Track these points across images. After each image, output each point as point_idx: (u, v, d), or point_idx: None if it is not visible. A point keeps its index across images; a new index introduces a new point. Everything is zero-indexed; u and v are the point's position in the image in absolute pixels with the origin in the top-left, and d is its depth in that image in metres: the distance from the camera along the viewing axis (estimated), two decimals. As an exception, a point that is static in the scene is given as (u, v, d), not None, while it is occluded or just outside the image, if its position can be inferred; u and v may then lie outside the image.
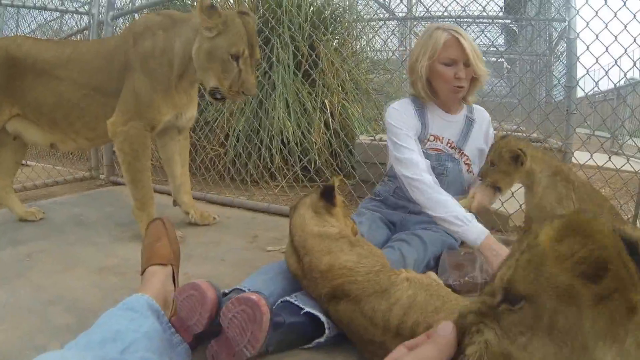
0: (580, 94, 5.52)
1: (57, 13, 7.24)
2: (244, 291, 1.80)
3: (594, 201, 2.34)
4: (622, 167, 3.01)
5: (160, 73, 2.95)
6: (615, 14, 2.88)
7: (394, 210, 2.65)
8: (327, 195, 2.01)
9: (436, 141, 2.56)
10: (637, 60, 3.11)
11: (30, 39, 3.35)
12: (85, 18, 5.63)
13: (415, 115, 2.53)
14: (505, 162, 2.31)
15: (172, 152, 3.39)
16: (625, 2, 2.84)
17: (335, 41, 5.01)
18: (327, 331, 1.73)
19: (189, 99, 3.16)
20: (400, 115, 2.51)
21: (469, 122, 2.61)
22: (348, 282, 1.68)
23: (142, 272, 1.90)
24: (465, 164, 2.59)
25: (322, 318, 1.73)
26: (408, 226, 2.55)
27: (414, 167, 2.35)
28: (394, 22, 7.34)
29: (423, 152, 2.46)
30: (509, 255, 0.83)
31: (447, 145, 2.57)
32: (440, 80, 2.45)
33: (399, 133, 2.45)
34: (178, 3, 5.15)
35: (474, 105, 2.66)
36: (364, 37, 5.52)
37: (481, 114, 2.65)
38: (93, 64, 3.14)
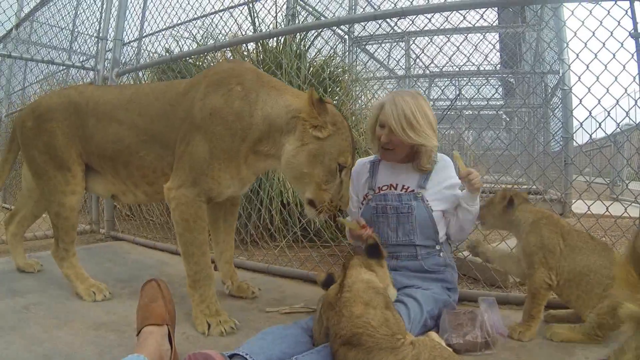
0: (576, 144, 5.61)
1: (64, 66, 7.44)
2: (244, 357, 1.83)
3: (591, 249, 2.39)
4: (621, 215, 3.03)
5: (227, 140, 2.53)
6: (606, 66, 2.95)
7: None
8: (373, 252, 2.22)
9: (390, 189, 2.72)
10: (630, 109, 3.18)
11: (92, 86, 3.26)
12: (91, 73, 5.77)
13: (367, 170, 2.86)
14: (499, 204, 2.66)
15: (216, 216, 3.11)
16: (614, 55, 2.94)
17: (334, 102, 5.09)
18: None
19: (254, 178, 2.83)
20: (353, 173, 2.80)
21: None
22: (367, 334, 1.73)
23: (138, 333, 1.91)
24: (427, 205, 2.65)
25: None
26: (396, 283, 2.57)
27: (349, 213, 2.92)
28: (393, 81, 7.50)
29: (380, 194, 2.72)
30: None
31: (402, 190, 2.70)
32: (376, 140, 2.72)
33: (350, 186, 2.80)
34: (181, 63, 5.27)
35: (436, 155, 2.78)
36: (363, 96, 5.61)
37: (440, 158, 2.77)
38: (155, 106, 2.82)
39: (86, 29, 7.10)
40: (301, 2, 6.31)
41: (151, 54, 6.29)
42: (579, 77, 3.14)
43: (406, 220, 2.61)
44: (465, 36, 4.75)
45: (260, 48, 5.16)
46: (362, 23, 4.60)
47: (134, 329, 1.98)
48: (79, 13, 7.88)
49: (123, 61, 5.80)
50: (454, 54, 4.54)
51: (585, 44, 3.05)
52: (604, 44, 2.96)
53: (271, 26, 5.30)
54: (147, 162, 2.84)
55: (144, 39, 6.83)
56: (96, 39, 5.83)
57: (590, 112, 3.16)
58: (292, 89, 2.67)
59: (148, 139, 2.82)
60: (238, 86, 2.57)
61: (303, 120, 2.44)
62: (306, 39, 5.32)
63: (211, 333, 2.48)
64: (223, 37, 5.55)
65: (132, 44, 6.79)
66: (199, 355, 1.69)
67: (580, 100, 3.15)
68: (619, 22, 2.92)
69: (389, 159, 2.73)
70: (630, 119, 3.35)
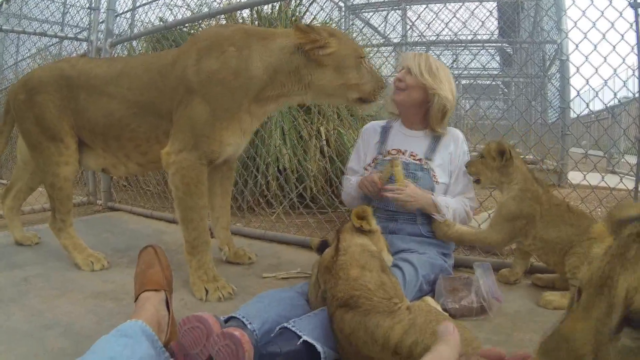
0: (574, 114, 5.58)
1: (57, 39, 7.34)
2: (241, 320, 1.84)
3: (567, 222, 2.46)
4: (616, 186, 3.05)
5: (228, 99, 2.57)
6: (604, 35, 2.95)
7: None
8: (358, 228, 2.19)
9: (398, 154, 2.74)
10: (628, 79, 3.17)
11: (84, 59, 3.24)
12: (84, 44, 5.71)
13: (378, 134, 2.89)
14: (491, 157, 2.62)
15: (212, 181, 3.07)
16: (613, 24, 2.92)
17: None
18: None
19: (258, 123, 2.85)
20: (363, 135, 2.99)
21: (437, 135, 2.77)
22: (364, 296, 1.74)
23: (136, 299, 1.92)
24: (433, 176, 2.69)
25: (319, 347, 1.74)
26: (392, 246, 2.58)
27: (350, 172, 2.96)
28: (389, 48, 7.43)
29: (387, 161, 2.70)
30: (620, 258, 0.67)
31: (409, 157, 2.72)
32: (393, 86, 2.80)
33: (355, 149, 3.02)
34: (175, 32, 5.21)
35: (448, 128, 2.83)
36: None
37: (453, 131, 2.83)
38: (144, 78, 2.82)
39: (78, 0, 7.01)
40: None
41: (145, 24, 6.22)
42: (577, 46, 3.12)
43: None
44: (462, 3, 4.67)
45: (255, 15, 5.11)
46: (358, -11, 4.53)
47: (133, 297, 1.98)
48: (70, -16, 7.77)
49: (117, 32, 5.73)
50: (450, 20, 4.48)
51: (584, 12, 3.02)
52: (602, 12, 2.93)
53: (266, -8, 5.23)
54: (140, 132, 2.85)
55: (137, 9, 6.74)
56: (89, 10, 5.76)
57: (587, 81, 3.15)
58: (280, 32, 2.71)
59: (139, 111, 2.83)
60: (231, 47, 2.59)
61: (309, 50, 2.50)
62: (301, 5, 5.28)
63: (209, 299, 2.52)
64: (217, 4, 5.49)
65: (125, 14, 6.70)
66: (193, 318, 1.71)
67: (578, 69, 3.14)
68: (618, -9, 2.89)
69: (399, 100, 2.74)
70: (627, 89, 3.33)
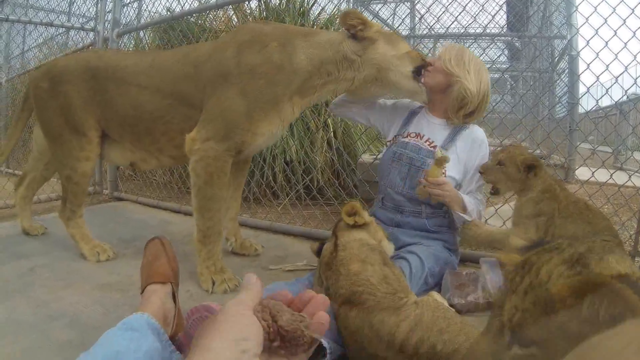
0: (582, 110, 5.52)
1: (63, 29, 7.33)
2: None
3: (585, 219, 2.35)
4: (624, 184, 3.03)
5: (268, 92, 2.54)
6: (615, 32, 2.91)
7: (384, 224, 2.66)
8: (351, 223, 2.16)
9: (417, 138, 2.71)
10: (638, 77, 3.13)
11: (111, 51, 3.18)
12: (91, 34, 5.69)
13: (407, 112, 2.88)
14: (515, 167, 2.41)
15: None
16: (625, 21, 2.88)
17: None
18: (328, 356, 1.73)
19: (299, 112, 2.80)
20: (399, 102, 2.98)
21: (458, 127, 2.70)
22: (367, 292, 1.72)
23: (142, 291, 1.91)
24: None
25: (325, 343, 1.73)
26: (398, 241, 2.57)
27: None
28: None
29: (403, 141, 2.72)
30: (509, 287, 0.80)
31: (425, 142, 2.68)
32: None
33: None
34: (183, 22, 5.19)
35: (472, 124, 2.75)
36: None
37: (475, 129, 2.75)
38: (177, 69, 2.77)
39: (85, -11, 7.00)
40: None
41: (152, 14, 6.20)
42: (588, 42, 3.09)
43: (415, 174, 2.59)
44: (473, -4, 4.64)
45: (262, 6, 5.10)
46: (367, -19, 4.50)
47: (138, 288, 1.98)
48: (77, -26, 7.75)
49: (124, 22, 5.71)
50: (460, 14, 4.44)
51: (595, 8, 2.99)
52: (614, 9, 2.89)
53: (274, -18, 5.20)
54: (174, 124, 2.79)
55: (144, -1, 6.73)
56: (96, 0, 5.75)
57: (597, 78, 3.11)
58: (320, 30, 2.75)
59: (173, 102, 2.76)
60: (273, 42, 2.58)
61: (359, 31, 2.55)
62: (309, -4, 5.23)
63: (215, 291, 2.52)
64: (225, -5, 5.45)
65: (132, 4, 6.69)
66: (201, 308, 1.71)
67: (588, 65, 3.11)
68: (630, -13, 2.85)
69: (425, 81, 2.70)
70: (638, 86, 3.29)
